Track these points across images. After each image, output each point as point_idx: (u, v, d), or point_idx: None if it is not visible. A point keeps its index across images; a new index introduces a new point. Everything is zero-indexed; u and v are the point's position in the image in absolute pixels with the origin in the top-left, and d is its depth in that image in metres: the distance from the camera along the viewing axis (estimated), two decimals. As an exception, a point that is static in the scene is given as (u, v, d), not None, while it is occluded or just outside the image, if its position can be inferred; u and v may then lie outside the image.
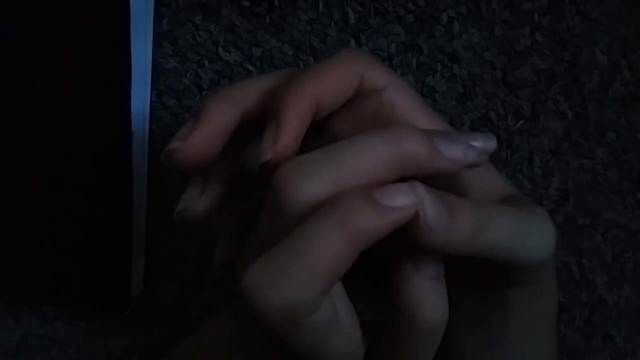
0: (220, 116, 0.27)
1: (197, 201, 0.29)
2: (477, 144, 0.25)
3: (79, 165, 0.37)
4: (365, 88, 0.26)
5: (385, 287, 0.25)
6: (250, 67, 0.38)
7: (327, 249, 0.22)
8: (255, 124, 0.27)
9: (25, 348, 0.41)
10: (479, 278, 0.29)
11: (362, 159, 0.23)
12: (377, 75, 0.26)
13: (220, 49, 0.38)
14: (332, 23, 0.38)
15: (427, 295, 0.24)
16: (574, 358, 0.40)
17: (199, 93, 0.38)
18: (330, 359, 0.24)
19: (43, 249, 0.38)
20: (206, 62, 0.38)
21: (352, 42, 0.38)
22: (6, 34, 0.37)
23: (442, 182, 0.26)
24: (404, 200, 0.23)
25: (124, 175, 0.37)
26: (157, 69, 0.38)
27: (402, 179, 0.24)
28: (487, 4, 0.37)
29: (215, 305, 0.40)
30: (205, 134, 0.27)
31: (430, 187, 0.24)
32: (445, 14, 0.37)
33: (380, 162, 0.23)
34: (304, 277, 0.22)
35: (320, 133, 0.27)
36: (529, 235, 0.25)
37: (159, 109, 0.39)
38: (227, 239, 0.31)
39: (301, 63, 0.38)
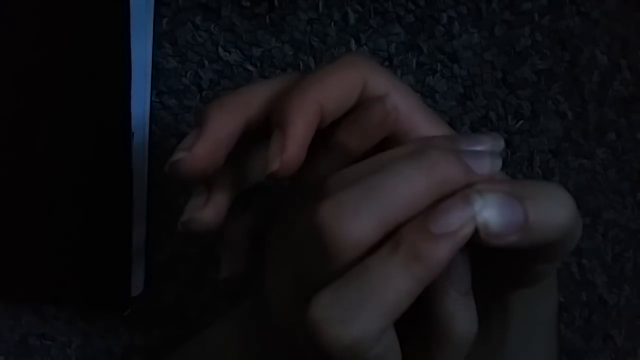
0: (224, 125, 0.27)
1: (202, 211, 0.28)
2: (486, 147, 0.25)
3: (79, 165, 0.37)
4: (368, 94, 0.26)
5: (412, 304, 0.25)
6: (250, 67, 0.38)
7: (395, 289, 0.22)
8: (259, 131, 0.27)
9: (25, 348, 0.41)
10: (482, 283, 0.29)
11: (401, 192, 0.23)
12: (379, 81, 0.26)
13: (220, 49, 0.38)
14: (332, 23, 0.38)
15: (463, 310, 0.24)
16: (574, 358, 0.40)
17: (199, 93, 0.38)
18: None
19: (43, 249, 0.38)
20: (206, 62, 0.38)
21: (352, 42, 0.38)
22: (6, 33, 0.37)
23: None
24: (461, 218, 0.23)
25: (124, 176, 0.37)
26: (157, 69, 0.38)
27: None
28: (487, 4, 0.37)
29: (215, 305, 0.40)
30: (210, 144, 0.26)
31: (495, 182, 0.24)
32: (445, 14, 0.37)
33: (420, 191, 0.23)
34: (372, 315, 0.22)
35: (326, 142, 0.27)
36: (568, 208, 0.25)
37: (159, 109, 0.39)
38: (232, 253, 0.30)
39: (301, 63, 0.38)
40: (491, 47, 0.38)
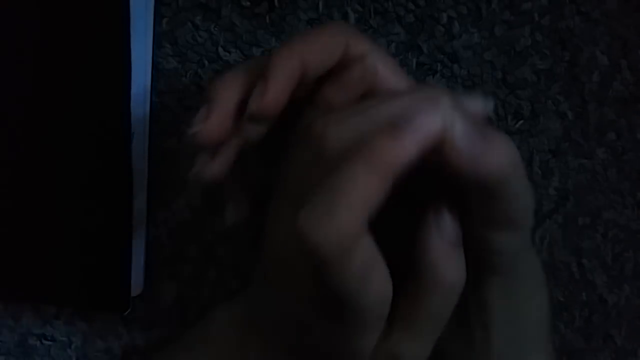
0: (230, 98, 0.30)
1: (210, 163, 0.31)
2: (477, 103, 0.28)
3: (78, 165, 0.37)
4: (350, 55, 0.29)
5: (401, 250, 0.26)
6: (250, 67, 0.38)
7: (363, 186, 0.24)
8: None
9: (25, 348, 0.41)
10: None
11: (390, 108, 0.26)
12: (360, 44, 0.29)
13: (220, 49, 0.38)
14: (332, 23, 0.38)
15: (449, 258, 0.26)
16: (574, 358, 0.40)
17: (199, 93, 0.38)
18: (366, 305, 0.25)
19: (43, 249, 0.38)
20: (206, 62, 0.38)
21: (352, 42, 0.38)
22: (6, 34, 0.37)
23: None
24: (430, 122, 0.24)
25: (124, 175, 0.37)
26: (157, 69, 0.38)
27: None
28: (487, 4, 0.37)
29: (215, 305, 0.40)
30: (221, 116, 0.30)
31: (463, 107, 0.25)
32: (445, 14, 0.38)
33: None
34: (347, 212, 0.24)
35: (313, 100, 0.29)
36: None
37: (159, 109, 0.39)
38: (235, 202, 0.33)
39: (301, 63, 0.38)
40: (491, 47, 0.38)
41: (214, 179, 0.31)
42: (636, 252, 0.39)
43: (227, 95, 0.30)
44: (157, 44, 0.38)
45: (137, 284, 0.39)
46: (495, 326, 0.30)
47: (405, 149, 0.24)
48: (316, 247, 0.24)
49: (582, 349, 0.40)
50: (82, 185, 0.37)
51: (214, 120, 0.29)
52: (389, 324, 0.27)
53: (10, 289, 0.39)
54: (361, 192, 0.24)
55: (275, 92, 0.28)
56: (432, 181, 0.27)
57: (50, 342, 0.41)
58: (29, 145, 0.38)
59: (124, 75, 0.36)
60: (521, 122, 0.38)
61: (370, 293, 0.25)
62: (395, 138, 0.24)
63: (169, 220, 0.39)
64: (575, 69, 0.38)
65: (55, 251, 0.38)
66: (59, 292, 0.39)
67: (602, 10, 0.37)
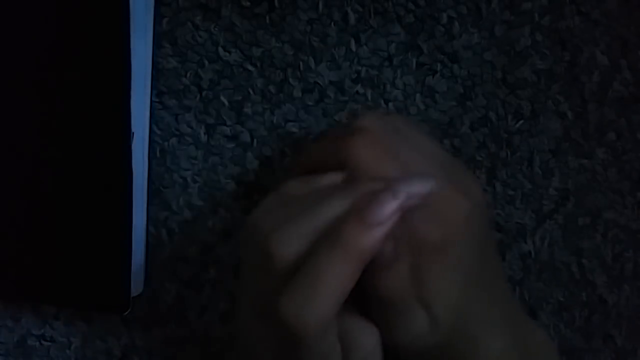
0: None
1: None
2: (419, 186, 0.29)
3: (79, 165, 0.37)
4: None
5: None
6: (250, 67, 0.38)
7: (337, 274, 0.27)
8: None
9: (25, 348, 0.41)
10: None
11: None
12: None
13: (220, 49, 0.38)
14: (332, 23, 0.38)
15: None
16: (574, 358, 0.40)
17: (199, 93, 0.38)
18: None
19: (43, 249, 0.38)
20: (206, 62, 0.38)
21: (352, 42, 0.38)
22: (6, 34, 0.37)
23: None
24: (391, 209, 0.27)
25: (124, 175, 0.37)
26: (157, 69, 0.38)
27: None
28: (487, 4, 0.37)
29: (215, 305, 0.40)
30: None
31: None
32: (445, 14, 0.38)
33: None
34: (327, 298, 0.27)
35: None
36: None
37: (159, 109, 0.39)
38: None
39: (301, 63, 0.38)
40: (491, 47, 0.38)
41: None
42: (636, 252, 0.39)
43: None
44: (157, 44, 0.38)
45: (137, 284, 0.39)
46: None
47: (375, 234, 0.27)
48: (299, 331, 0.26)
49: (582, 349, 0.40)
50: (82, 186, 0.37)
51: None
52: None
53: (10, 289, 0.39)
54: (337, 279, 0.27)
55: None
56: None
57: (49, 343, 0.41)
58: (28, 145, 0.38)
59: (124, 75, 0.36)
60: (521, 122, 0.38)
61: None
62: (365, 225, 0.27)
63: (169, 220, 0.39)
64: (575, 69, 0.38)
65: (55, 251, 0.38)
66: (59, 292, 0.39)
67: (602, 10, 0.37)
